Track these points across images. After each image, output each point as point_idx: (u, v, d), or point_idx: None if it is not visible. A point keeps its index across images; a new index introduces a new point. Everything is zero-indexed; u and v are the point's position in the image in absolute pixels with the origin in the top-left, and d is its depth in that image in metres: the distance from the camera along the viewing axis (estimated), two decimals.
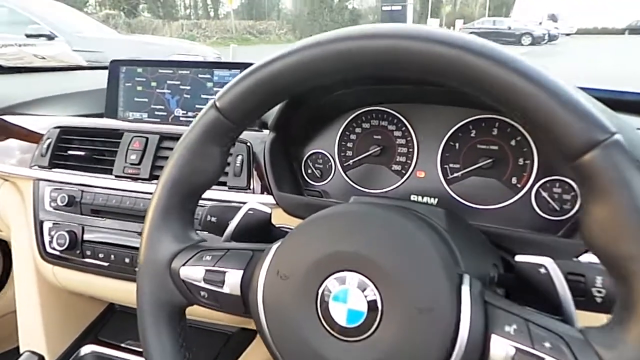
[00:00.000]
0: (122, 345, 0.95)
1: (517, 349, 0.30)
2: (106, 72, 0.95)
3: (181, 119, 0.91)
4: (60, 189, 0.85)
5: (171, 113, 0.92)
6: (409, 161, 0.71)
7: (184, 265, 0.41)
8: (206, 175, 0.43)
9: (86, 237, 0.83)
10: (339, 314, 0.34)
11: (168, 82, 0.92)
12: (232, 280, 0.40)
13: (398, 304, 0.33)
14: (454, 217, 0.47)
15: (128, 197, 0.81)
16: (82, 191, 0.84)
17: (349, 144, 0.75)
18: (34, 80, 1.16)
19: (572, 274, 0.40)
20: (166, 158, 0.52)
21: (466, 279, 0.34)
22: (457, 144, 0.68)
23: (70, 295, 0.95)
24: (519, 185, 0.64)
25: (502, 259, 0.53)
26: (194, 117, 0.75)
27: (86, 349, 0.98)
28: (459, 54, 0.31)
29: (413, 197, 0.71)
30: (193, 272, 0.41)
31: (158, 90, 0.93)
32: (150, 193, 0.44)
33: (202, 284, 0.41)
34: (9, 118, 0.95)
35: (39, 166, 0.87)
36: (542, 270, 0.37)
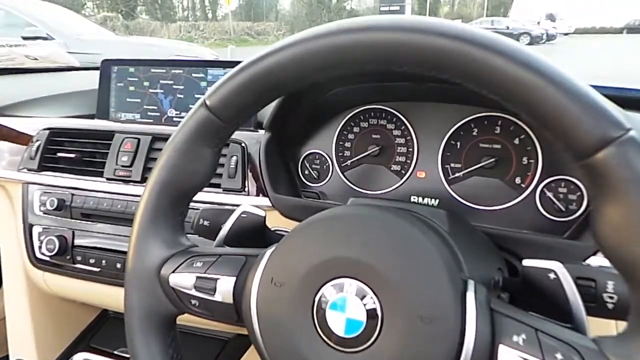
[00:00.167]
0: (115, 352, 0.93)
1: None
2: (98, 72, 0.93)
3: (174, 119, 0.89)
4: (50, 192, 0.84)
5: (164, 113, 0.90)
6: (408, 161, 0.70)
7: (173, 272, 0.40)
8: (197, 177, 0.41)
9: (77, 242, 0.81)
10: (337, 324, 0.32)
11: (161, 81, 0.90)
12: (224, 288, 0.38)
13: (399, 312, 0.31)
14: (457, 218, 0.46)
15: (119, 201, 0.79)
16: (73, 194, 0.82)
17: (347, 144, 0.74)
18: (25, 81, 1.14)
19: (582, 278, 0.38)
20: None
21: (471, 285, 0.32)
22: (458, 143, 0.66)
23: (61, 302, 0.93)
24: (523, 185, 0.62)
25: (506, 262, 0.51)
26: None
27: (78, 357, 0.95)
28: (460, 46, 0.29)
29: (413, 198, 0.69)
30: (183, 280, 0.39)
31: (151, 90, 0.91)
32: None
33: (193, 292, 0.39)
34: None
35: (28, 169, 0.85)
36: (552, 275, 0.36)
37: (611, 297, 0.37)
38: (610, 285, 0.37)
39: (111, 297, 0.81)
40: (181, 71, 0.88)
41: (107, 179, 0.81)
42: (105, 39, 4.64)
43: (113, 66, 0.92)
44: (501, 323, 0.30)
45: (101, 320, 1.03)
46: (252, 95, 0.36)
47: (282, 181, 0.73)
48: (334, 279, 0.33)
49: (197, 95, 0.88)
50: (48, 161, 0.85)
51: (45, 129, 0.86)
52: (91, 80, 1.00)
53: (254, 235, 0.47)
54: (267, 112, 0.69)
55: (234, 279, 0.38)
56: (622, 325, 0.29)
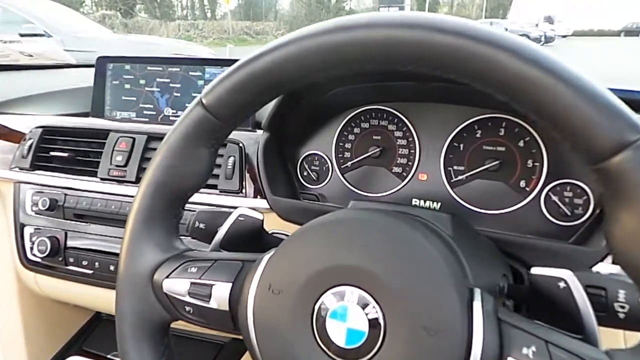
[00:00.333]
0: (109, 356, 0.92)
1: None
2: (93, 70, 0.92)
3: (171, 118, 0.88)
4: (42, 192, 0.82)
5: (160, 112, 0.89)
6: (410, 163, 0.69)
7: (167, 277, 0.38)
8: (192, 179, 0.40)
9: (69, 243, 0.80)
10: (337, 334, 0.31)
11: (157, 79, 0.88)
12: (220, 294, 0.37)
13: (403, 323, 0.30)
14: (461, 223, 0.45)
15: (113, 201, 0.78)
16: (65, 194, 0.81)
17: (347, 145, 0.73)
18: (18, 78, 1.12)
19: (592, 286, 0.37)
20: None
21: (477, 293, 0.31)
22: (461, 145, 0.65)
23: (53, 304, 0.92)
24: (527, 189, 0.61)
25: (511, 268, 0.50)
26: None
27: None
28: (467, 44, 0.28)
29: (414, 201, 0.68)
30: (177, 285, 0.38)
31: (147, 89, 0.89)
32: None
33: (187, 299, 0.38)
34: None
35: (20, 168, 0.84)
36: (562, 284, 0.34)
37: (622, 307, 0.36)
38: (621, 294, 0.36)
39: (104, 300, 0.80)
40: (178, 69, 0.87)
41: (101, 179, 0.79)
42: (103, 37, 4.62)
43: (109, 63, 0.91)
44: (509, 334, 0.29)
45: (94, 323, 1.02)
46: (250, 94, 0.35)
47: (280, 183, 0.72)
48: (335, 286, 0.32)
49: (194, 94, 0.87)
50: (41, 160, 0.84)
51: (38, 127, 0.85)
52: (86, 77, 0.98)
53: (251, 239, 0.46)
54: (265, 111, 0.68)
55: (230, 285, 0.37)
56: (630, 335, 0.28)
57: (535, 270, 0.36)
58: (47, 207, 0.80)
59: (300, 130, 0.74)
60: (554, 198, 0.59)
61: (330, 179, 0.73)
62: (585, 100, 0.26)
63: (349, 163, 0.72)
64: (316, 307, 0.32)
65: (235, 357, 0.91)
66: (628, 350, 0.27)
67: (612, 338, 0.49)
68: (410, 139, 0.69)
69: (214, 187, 0.72)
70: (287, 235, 0.50)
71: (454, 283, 0.30)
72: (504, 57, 0.27)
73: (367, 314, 0.30)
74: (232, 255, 0.41)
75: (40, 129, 0.84)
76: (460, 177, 0.65)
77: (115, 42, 4.60)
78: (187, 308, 0.38)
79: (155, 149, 0.76)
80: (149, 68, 0.89)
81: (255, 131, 0.77)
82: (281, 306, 0.33)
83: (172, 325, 0.41)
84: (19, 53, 1.19)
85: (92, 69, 0.92)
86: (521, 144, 0.61)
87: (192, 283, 0.37)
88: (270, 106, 0.68)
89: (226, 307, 0.37)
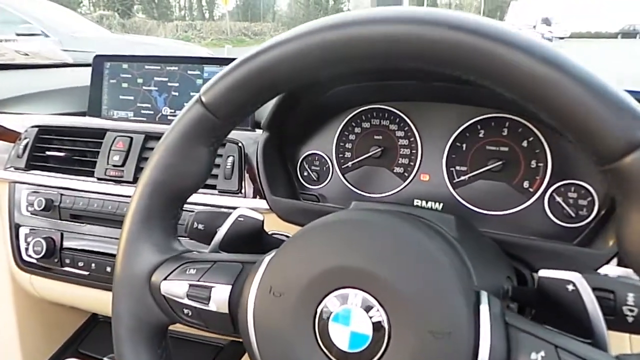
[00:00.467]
0: (105, 359, 0.90)
1: None
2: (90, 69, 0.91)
3: (169, 117, 0.87)
4: (38, 192, 0.81)
5: (158, 112, 0.88)
6: (412, 163, 0.68)
7: (165, 279, 0.38)
8: (191, 178, 0.39)
9: (65, 244, 0.79)
10: (340, 337, 0.30)
11: (155, 78, 0.88)
12: (219, 297, 0.36)
13: (408, 326, 0.29)
14: (465, 224, 0.44)
15: (110, 201, 0.77)
16: (61, 194, 0.80)
17: (348, 145, 0.72)
18: (14, 77, 1.11)
19: (600, 289, 0.36)
20: None
21: (484, 296, 0.30)
22: (464, 145, 0.65)
23: (49, 306, 0.91)
24: (531, 190, 0.61)
25: (515, 270, 0.49)
26: None
27: None
28: (476, 40, 0.27)
29: (416, 202, 0.68)
30: (175, 287, 0.37)
31: (144, 88, 0.88)
32: None
33: (186, 301, 0.37)
34: None
35: (15, 167, 0.83)
36: (570, 287, 0.34)
37: (631, 310, 0.35)
38: (630, 298, 0.35)
39: (101, 301, 0.79)
40: (176, 68, 0.86)
41: (98, 178, 0.79)
42: (101, 37, 4.62)
43: (106, 62, 0.90)
44: (517, 338, 0.28)
45: (91, 324, 1.01)
46: (251, 92, 0.35)
47: (280, 183, 0.71)
48: (338, 289, 0.31)
49: (192, 93, 0.86)
50: (36, 160, 0.83)
51: (34, 126, 0.84)
52: (83, 77, 0.97)
53: (251, 240, 0.45)
54: (265, 111, 0.67)
55: (229, 287, 0.36)
56: (635, 339, 0.27)
57: (543, 273, 0.35)
58: (42, 207, 0.79)
59: (301, 130, 0.74)
60: (558, 199, 0.59)
61: (330, 179, 0.73)
62: (597, 100, 0.25)
63: (350, 163, 0.72)
64: (318, 310, 0.31)
65: None
66: (639, 356, 0.27)
67: (617, 342, 0.49)
68: (412, 139, 0.68)
69: (213, 187, 0.72)
70: (287, 236, 0.49)
71: (460, 285, 0.29)
72: (516, 55, 0.26)
73: (371, 317, 0.30)
74: (232, 256, 0.40)
75: (36, 128, 0.84)
76: (462, 178, 0.65)
77: (113, 42, 4.60)
78: (186, 310, 0.37)
79: (153, 149, 0.76)
80: (146, 67, 0.88)
81: (255, 131, 0.77)
82: (282, 309, 0.33)
83: (170, 327, 0.41)
84: (15, 52, 1.18)
85: (88, 69, 0.91)
86: (525, 144, 0.61)
87: (190, 285, 0.37)
88: (270, 105, 0.67)
89: (226, 310, 0.36)
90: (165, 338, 0.41)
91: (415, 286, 0.29)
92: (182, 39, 15.77)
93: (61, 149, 0.83)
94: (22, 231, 0.82)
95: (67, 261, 0.79)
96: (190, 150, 0.38)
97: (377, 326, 0.29)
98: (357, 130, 0.71)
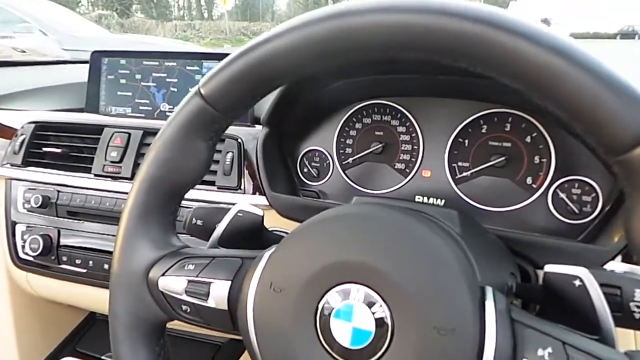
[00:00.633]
0: (103, 357, 0.91)
1: None
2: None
3: (167, 114, 0.86)
4: (35, 188, 0.81)
5: (157, 108, 0.87)
6: (413, 159, 0.68)
7: (163, 275, 0.37)
8: (189, 173, 0.38)
9: (62, 241, 0.79)
10: (342, 334, 0.30)
11: (154, 74, 0.87)
12: (218, 293, 0.36)
13: (412, 322, 0.28)
14: (468, 220, 0.44)
15: (108, 198, 0.76)
16: (58, 191, 0.79)
17: (349, 141, 0.71)
18: (11, 74, 1.11)
19: (607, 285, 0.35)
20: None
21: (489, 292, 0.29)
22: (466, 141, 0.64)
23: (46, 304, 0.90)
24: (534, 186, 0.60)
25: (518, 267, 0.49)
26: None
27: None
28: (482, 29, 0.26)
29: (418, 198, 0.67)
30: (173, 283, 0.36)
31: (143, 84, 0.88)
32: None
33: (184, 297, 0.36)
34: None
35: (12, 164, 0.82)
36: (577, 282, 0.33)
37: (638, 306, 0.34)
38: (637, 294, 0.34)
39: (98, 299, 0.78)
40: (175, 64, 0.86)
41: (95, 175, 0.78)
42: (100, 36, 4.61)
43: (103, 58, 0.90)
44: (523, 335, 0.27)
45: (88, 323, 1.01)
46: (251, 84, 0.34)
47: (280, 179, 0.70)
48: (340, 284, 0.30)
49: (191, 89, 0.85)
50: (33, 156, 0.82)
51: (30, 123, 0.83)
52: (81, 74, 0.97)
53: (250, 235, 0.44)
54: (264, 106, 0.67)
55: (229, 283, 0.36)
56: None
57: (549, 268, 0.34)
58: (39, 204, 0.78)
59: (301, 126, 0.73)
60: (562, 195, 0.58)
61: (331, 175, 0.72)
62: (608, 90, 0.25)
63: (351, 159, 0.71)
64: (320, 306, 0.31)
65: (233, 358, 0.90)
66: None
67: (622, 338, 0.48)
68: (414, 135, 0.67)
69: (212, 183, 0.71)
70: (287, 232, 0.49)
71: (465, 281, 0.29)
72: (526, 45, 0.26)
73: (373, 313, 0.29)
74: (231, 252, 0.39)
75: (33, 125, 0.83)
76: (465, 174, 0.64)
77: (112, 41, 4.59)
78: (184, 307, 0.37)
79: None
80: (144, 62, 0.87)
81: (254, 126, 0.76)
82: (283, 305, 0.32)
83: (168, 325, 0.40)
84: (12, 49, 1.17)
85: (85, 65, 0.90)
86: (528, 139, 0.60)
87: (189, 281, 0.36)
88: (269, 101, 0.66)
89: (225, 306, 0.36)
90: (163, 335, 0.40)
91: (419, 281, 0.29)
92: (181, 39, 15.77)
93: (58, 145, 0.82)
94: (19, 228, 0.81)
95: (64, 259, 0.78)
96: (189, 144, 0.37)
97: (379, 322, 0.29)
98: (357, 125, 0.71)
